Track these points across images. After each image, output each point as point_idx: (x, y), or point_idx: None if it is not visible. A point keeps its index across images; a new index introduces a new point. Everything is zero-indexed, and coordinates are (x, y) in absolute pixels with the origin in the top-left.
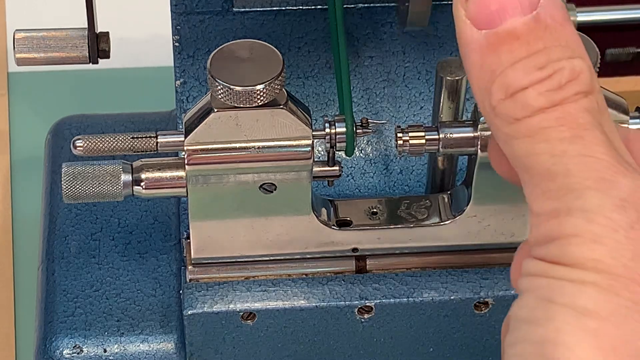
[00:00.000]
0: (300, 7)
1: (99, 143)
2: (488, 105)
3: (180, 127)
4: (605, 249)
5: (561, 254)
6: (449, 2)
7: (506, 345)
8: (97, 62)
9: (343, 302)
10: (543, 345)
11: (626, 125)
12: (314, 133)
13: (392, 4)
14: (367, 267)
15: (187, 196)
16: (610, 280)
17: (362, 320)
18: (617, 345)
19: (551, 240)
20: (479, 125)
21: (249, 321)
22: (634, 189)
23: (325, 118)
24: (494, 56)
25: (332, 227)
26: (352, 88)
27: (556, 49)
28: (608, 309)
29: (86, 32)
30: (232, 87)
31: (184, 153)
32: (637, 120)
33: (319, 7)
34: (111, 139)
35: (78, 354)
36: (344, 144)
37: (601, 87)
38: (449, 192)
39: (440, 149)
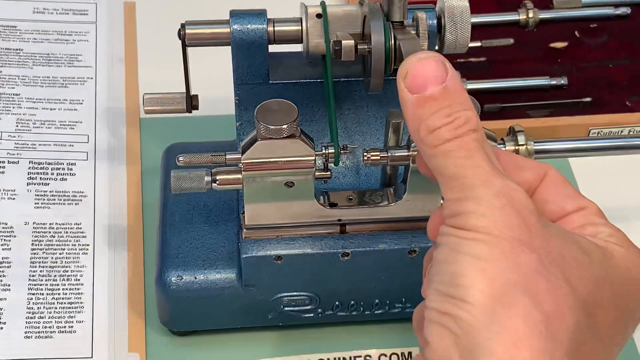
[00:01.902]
0: (308, 80)
1: (192, 158)
2: (417, 137)
3: (239, 149)
4: (488, 220)
5: (463, 223)
6: (394, 78)
7: (429, 274)
8: (191, 112)
9: (332, 250)
10: (453, 276)
11: (495, 146)
12: (315, 153)
13: (361, 79)
14: (347, 230)
15: (242, 189)
16: (492, 239)
17: (343, 261)
18: (494, 276)
19: (457, 214)
20: (411, 149)
21: (278, 262)
22: (502, 186)
23: (322, 144)
24: (421, 109)
25: (326, 207)
26: (337, 127)
27: (456, 105)
28: (491, 255)
29: (185, 94)
30: (269, 126)
31: (241, 165)
32: (501, 145)
33: (318, 80)
34: (200, 156)
35: (180, 280)
36: (333, 159)
37: (482, 127)
38: (393, 187)
39: (389, 162)
